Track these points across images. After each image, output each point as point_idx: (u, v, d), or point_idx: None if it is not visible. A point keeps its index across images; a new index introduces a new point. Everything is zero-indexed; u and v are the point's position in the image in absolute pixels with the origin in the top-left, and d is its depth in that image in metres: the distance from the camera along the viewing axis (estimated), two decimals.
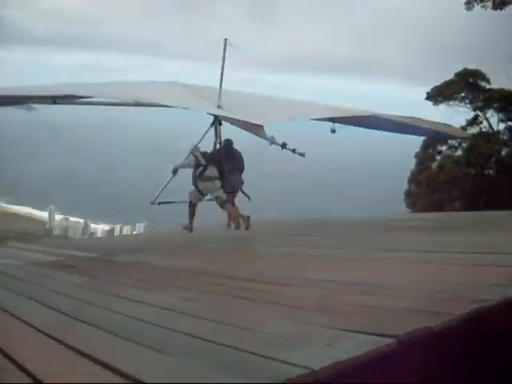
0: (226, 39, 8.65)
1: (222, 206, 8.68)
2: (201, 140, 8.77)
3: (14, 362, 2.41)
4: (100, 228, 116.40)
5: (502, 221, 10.08)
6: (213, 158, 8.43)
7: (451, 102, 27.44)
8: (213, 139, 9.01)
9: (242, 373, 2.05)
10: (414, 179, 27.75)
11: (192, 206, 8.74)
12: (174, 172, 8.76)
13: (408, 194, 27.83)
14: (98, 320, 3.13)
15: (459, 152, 27.58)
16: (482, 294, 3.08)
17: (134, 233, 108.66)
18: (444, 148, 27.84)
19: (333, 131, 8.45)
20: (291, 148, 8.20)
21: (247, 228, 8.86)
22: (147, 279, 4.82)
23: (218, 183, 8.42)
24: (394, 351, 2.26)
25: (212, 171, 8.29)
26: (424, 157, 27.75)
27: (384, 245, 6.71)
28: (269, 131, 7.76)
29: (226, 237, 9.58)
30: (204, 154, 8.45)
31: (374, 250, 6.10)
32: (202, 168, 8.27)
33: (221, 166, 8.34)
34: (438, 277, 4.00)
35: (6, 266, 6.39)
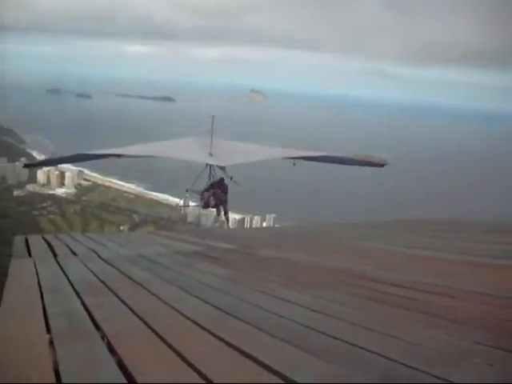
0: (213, 116, 11.52)
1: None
2: (195, 180, 11.44)
3: (181, 356, 2.53)
4: (231, 217, 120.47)
5: None
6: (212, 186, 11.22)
7: None
8: None
9: None
10: None
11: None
12: (187, 191, 11.53)
13: None
14: (250, 317, 3.21)
15: None
16: None
17: (264, 224, 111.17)
18: None
19: (294, 164, 10.58)
20: (236, 181, 10.77)
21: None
22: (289, 276, 4.87)
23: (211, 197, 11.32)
24: None
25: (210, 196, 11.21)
26: None
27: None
28: None
29: (362, 235, 9.47)
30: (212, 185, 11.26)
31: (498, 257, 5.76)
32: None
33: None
34: None
35: (155, 253, 6.74)
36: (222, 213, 11.70)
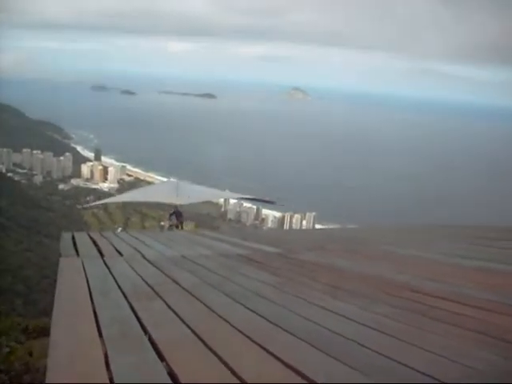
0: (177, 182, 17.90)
1: (176, 226, 16.24)
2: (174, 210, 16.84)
3: (228, 367, 2.55)
4: (271, 214, 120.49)
5: None
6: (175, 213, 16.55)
7: None
8: None
9: None
10: None
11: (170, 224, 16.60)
12: (170, 215, 16.70)
13: None
14: (296, 328, 3.21)
15: None
16: None
17: (304, 222, 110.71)
18: None
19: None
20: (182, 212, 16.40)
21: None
22: (334, 284, 4.84)
23: (174, 218, 16.59)
24: None
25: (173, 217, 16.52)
26: None
27: None
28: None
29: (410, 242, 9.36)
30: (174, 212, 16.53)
31: None
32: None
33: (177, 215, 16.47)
34: None
35: (199, 255, 6.79)
36: (180, 227, 16.47)
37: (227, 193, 18.03)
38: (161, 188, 17.58)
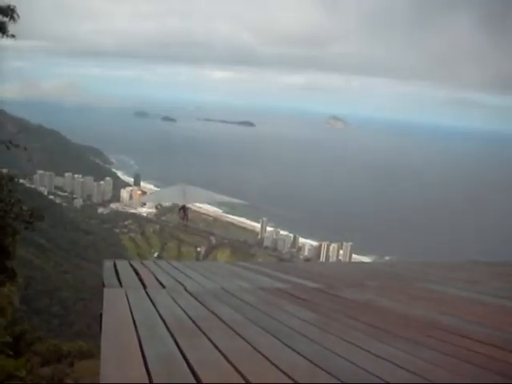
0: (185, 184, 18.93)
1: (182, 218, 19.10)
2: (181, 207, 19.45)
3: None
4: (308, 243, 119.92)
5: None
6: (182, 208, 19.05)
7: None
8: None
9: None
10: None
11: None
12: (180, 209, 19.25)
13: None
14: (339, 372, 3.22)
15: None
16: None
17: (341, 252, 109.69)
18: None
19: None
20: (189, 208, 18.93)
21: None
22: (376, 325, 4.80)
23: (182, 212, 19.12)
24: None
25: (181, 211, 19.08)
26: None
27: None
28: None
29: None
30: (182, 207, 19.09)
31: None
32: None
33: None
34: None
35: (239, 288, 6.84)
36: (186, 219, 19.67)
37: (223, 196, 21.39)
38: (170, 190, 19.83)
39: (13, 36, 14.00)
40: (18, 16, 13.78)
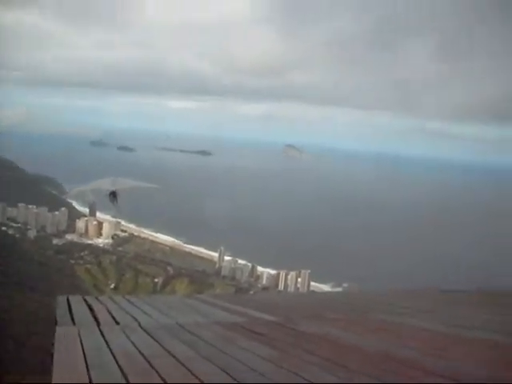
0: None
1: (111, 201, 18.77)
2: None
3: None
4: (266, 272, 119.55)
5: None
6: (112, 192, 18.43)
7: None
8: None
9: None
10: None
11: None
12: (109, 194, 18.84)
13: None
14: None
15: None
16: None
17: (299, 280, 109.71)
18: None
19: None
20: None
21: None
22: (333, 359, 4.78)
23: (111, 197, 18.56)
24: None
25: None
26: None
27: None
28: None
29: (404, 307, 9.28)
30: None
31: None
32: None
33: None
34: None
35: (195, 324, 6.74)
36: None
37: (130, 181, 21.83)
38: (102, 181, 20.45)
39: None
40: None
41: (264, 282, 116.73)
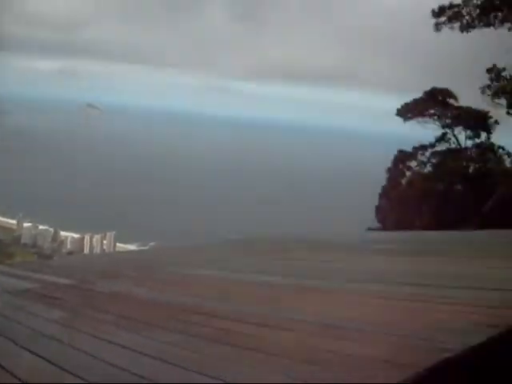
0: None
1: None
2: None
3: None
4: (70, 236, 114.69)
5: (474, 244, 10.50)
6: None
7: (420, 119, 28.12)
8: None
9: None
10: (384, 194, 28.26)
11: None
12: None
13: (379, 208, 28.30)
14: (80, 368, 3.16)
15: (429, 168, 28.26)
16: (443, 342, 2.97)
17: (105, 242, 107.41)
18: (414, 164, 28.51)
19: None
20: None
21: None
22: (125, 315, 4.83)
23: None
24: None
25: None
26: (395, 172, 28.31)
27: (354, 273, 6.88)
28: None
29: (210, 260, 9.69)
30: None
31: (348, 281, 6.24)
32: None
33: None
34: (405, 318, 3.94)
35: None
36: None
37: None
38: None
39: None
40: None
41: (68, 246, 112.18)
